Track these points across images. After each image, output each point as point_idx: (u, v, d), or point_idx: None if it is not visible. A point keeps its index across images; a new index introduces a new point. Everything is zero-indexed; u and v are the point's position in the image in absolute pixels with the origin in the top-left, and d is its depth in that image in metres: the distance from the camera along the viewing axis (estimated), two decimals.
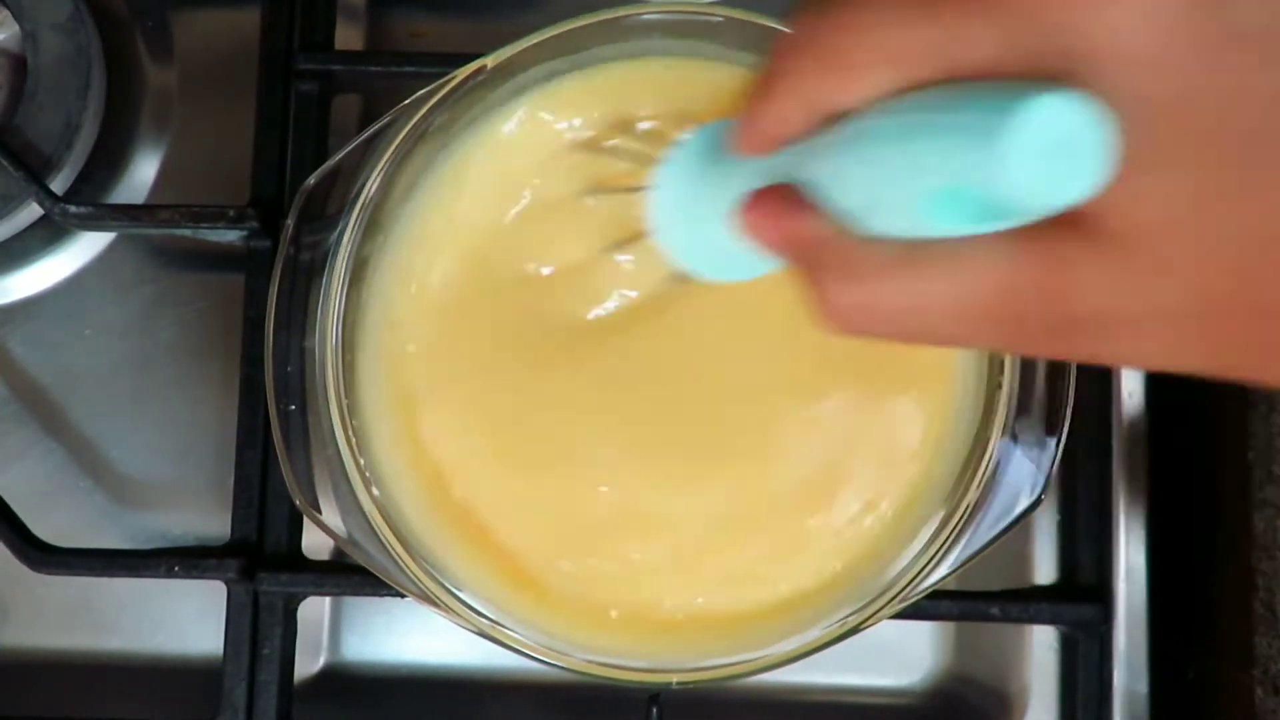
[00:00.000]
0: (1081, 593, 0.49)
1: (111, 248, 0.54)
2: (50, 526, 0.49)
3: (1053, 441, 0.40)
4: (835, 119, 0.27)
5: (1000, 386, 0.41)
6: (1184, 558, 0.51)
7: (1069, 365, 0.41)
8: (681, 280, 0.39)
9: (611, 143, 0.42)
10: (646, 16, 0.41)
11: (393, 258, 0.43)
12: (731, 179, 0.33)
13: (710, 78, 0.43)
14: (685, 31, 0.42)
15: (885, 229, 0.27)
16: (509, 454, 0.42)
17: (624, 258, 0.42)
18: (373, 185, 0.41)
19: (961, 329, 0.26)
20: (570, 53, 0.42)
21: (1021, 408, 0.41)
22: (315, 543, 0.50)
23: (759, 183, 0.30)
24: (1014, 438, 0.40)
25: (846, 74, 0.26)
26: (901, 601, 0.40)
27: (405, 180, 0.42)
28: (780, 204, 0.29)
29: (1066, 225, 0.24)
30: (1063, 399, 0.41)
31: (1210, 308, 0.24)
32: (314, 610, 0.52)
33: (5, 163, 0.49)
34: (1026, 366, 0.41)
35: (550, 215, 0.43)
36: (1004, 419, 0.41)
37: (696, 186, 0.36)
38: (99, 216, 0.50)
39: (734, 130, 0.31)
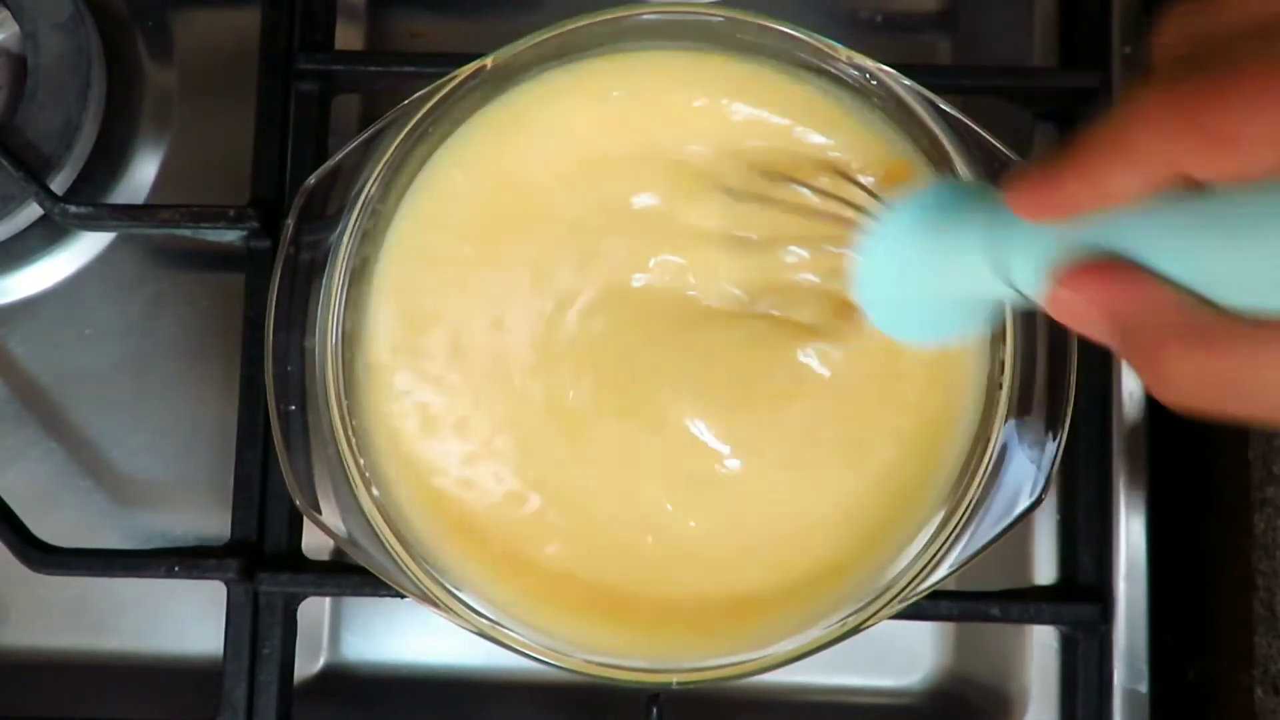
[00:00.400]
0: (1081, 593, 0.49)
1: (111, 248, 0.54)
2: (50, 526, 0.49)
3: (1053, 441, 0.40)
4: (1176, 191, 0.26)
5: (1000, 386, 0.41)
6: (1184, 558, 0.51)
7: (1070, 365, 0.41)
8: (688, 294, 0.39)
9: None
10: (646, 17, 0.41)
11: (393, 257, 0.43)
12: (990, 245, 0.32)
13: (699, 71, 0.43)
14: (685, 32, 0.42)
15: (1235, 303, 0.27)
16: (512, 454, 0.42)
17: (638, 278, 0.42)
18: (373, 185, 0.41)
19: None
20: (571, 53, 0.42)
21: (1022, 408, 0.41)
22: (315, 543, 0.50)
23: (1046, 252, 0.30)
24: (1014, 438, 0.40)
25: (1233, 149, 0.25)
26: (901, 601, 0.40)
27: (405, 180, 0.42)
28: (1117, 276, 0.28)
29: None
30: (1063, 399, 0.41)
31: None
32: (314, 610, 0.52)
33: (5, 163, 0.49)
34: (1027, 367, 0.41)
35: (551, 216, 0.43)
36: (1004, 419, 0.41)
37: (919, 254, 0.35)
38: (99, 216, 0.50)
39: (1029, 194, 0.29)
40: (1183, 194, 0.27)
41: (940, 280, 0.35)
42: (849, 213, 0.37)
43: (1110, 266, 0.28)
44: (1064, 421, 0.41)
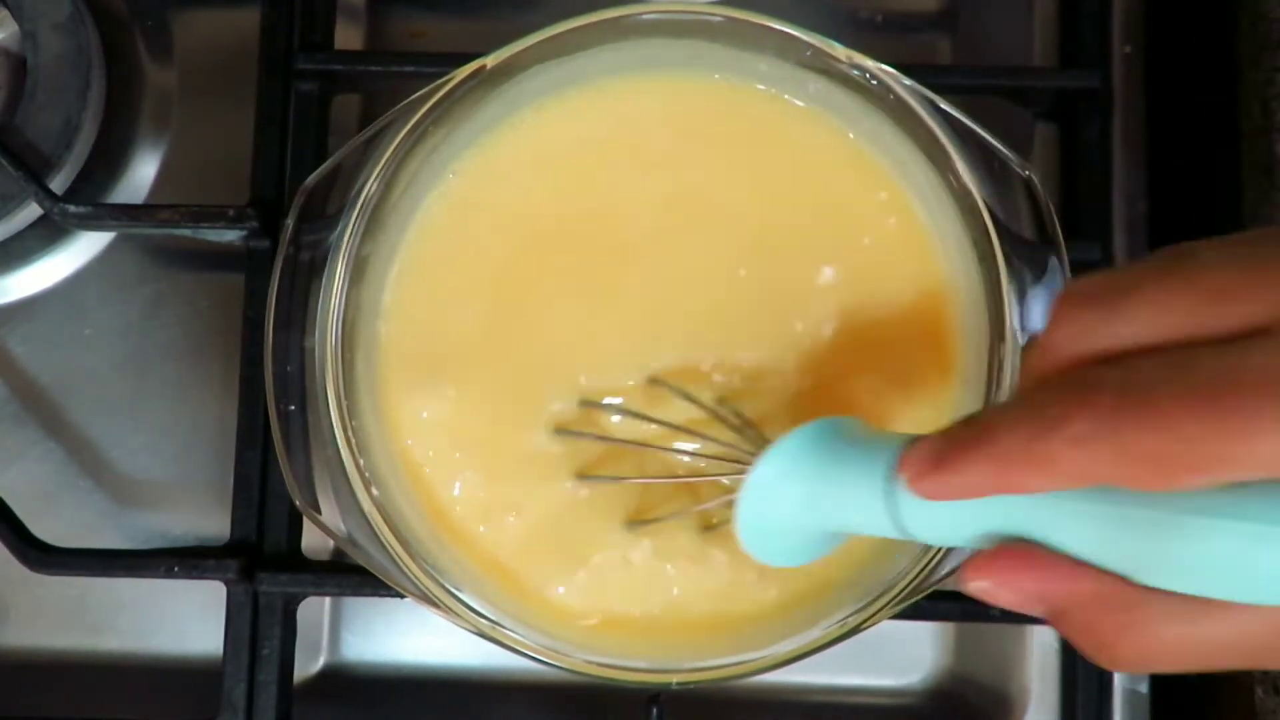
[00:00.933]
0: None
1: (111, 248, 0.54)
2: (50, 526, 0.49)
3: None
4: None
5: (1000, 386, 0.41)
6: None
7: None
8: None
9: None
10: (646, 17, 0.41)
11: (393, 257, 0.43)
12: (879, 497, 0.31)
13: (707, 95, 0.43)
14: (685, 32, 0.42)
15: (1159, 585, 0.27)
16: (511, 455, 0.42)
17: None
18: (373, 185, 0.41)
19: (1245, 661, 0.27)
20: (571, 53, 0.42)
21: None
22: (315, 543, 0.50)
23: (947, 523, 0.30)
24: None
25: (1155, 469, 0.24)
26: (901, 601, 0.40)
27: (405, 180, 0.42)
28: (1037, 566, 0.28)
29: None
30: None
31: None
32: (314, 610, 0.52)
33: (5, 163, 0.49)
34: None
35: (552, 217, 0.43)
36: None
37: (800, 499, 0.34)
38: (99, 216, 0.50)
39: (928, 476, 0.29)
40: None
41: (824, 521, 0.34)
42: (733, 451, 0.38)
43: (1024, 555, 0.28)
44: None
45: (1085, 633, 0.28)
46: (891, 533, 0.32)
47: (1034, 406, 0.26)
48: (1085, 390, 0.25)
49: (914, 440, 0.31)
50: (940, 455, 0.28)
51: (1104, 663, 0.28)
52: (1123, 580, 0.27)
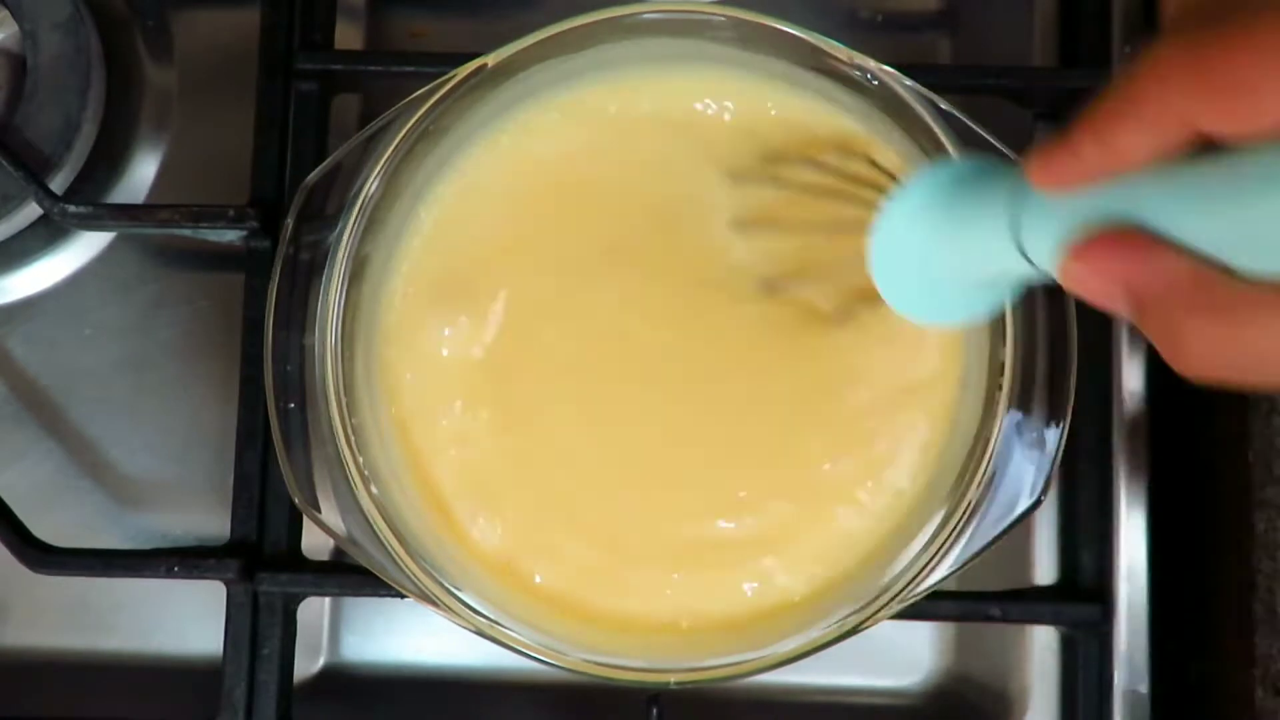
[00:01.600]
0: (1082, 593, 0.49)
1: (111, 248, 0.54)
2: (50, 526, 0.49)
3: (1053, 441, 0.40)
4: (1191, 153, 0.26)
5: (1001, 387, 0.41)
6: (1184, 558, 0.51)
7: (1070, 365, 0.41)
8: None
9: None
10: (647, 16, 0.41)
11: (393, 256, 0.43)
12: (1009, 220, 0.31)
13: (708, 94, 0.43)
14: (686, 31, 0.42)
15: (1254, 268, 0.26)
16: (508, 453, 0.42)
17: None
18: (373, 184, 0.41)
19: None
20: (572, 52, 0.42)
21: (1022, 408, 0.41)
22: (315, 543, 0.50)
23: (1063, 224, 0.29)
24: (1014, 438, 0.40)
25: (1246, 101, 0.24)
26: (901, 601, 0.40)
27: (405, 179, 0.42)
28: (1132, 247, 0.28)
29: None
30: (1063, 399, 0.41)
31: None
32: (314, 610, 0.52)
33: (5, 163, 0.49)
34: (1027, 367, 0.41)
35: (552, 214, 0.43)
36: (1004, 419, 0.41)
37: (935, 231, 0.35)
38: (99, 216, 0.50)
39: (1045, 163, 0.29)
40: (1199, 158, 0.26)
41: (957, 257, 0.35)
42: (863, 191, 0.37)
43: (1125, 237, 0.28)
44: (1064, 422, 0.41)
45: (1164, 325, 0.27)
46: (1012, 255, 0.32)
47: (1129, 70, 0.26)
48: (1174, 35, 0.25)
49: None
50: (1054, 144, 0.29)
51: (1180, 363, 0.27)
52: (1215, 271, 0.26)
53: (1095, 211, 0.29)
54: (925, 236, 0.35)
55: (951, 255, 0.35)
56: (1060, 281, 0.30)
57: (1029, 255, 0.32)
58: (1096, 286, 0.29)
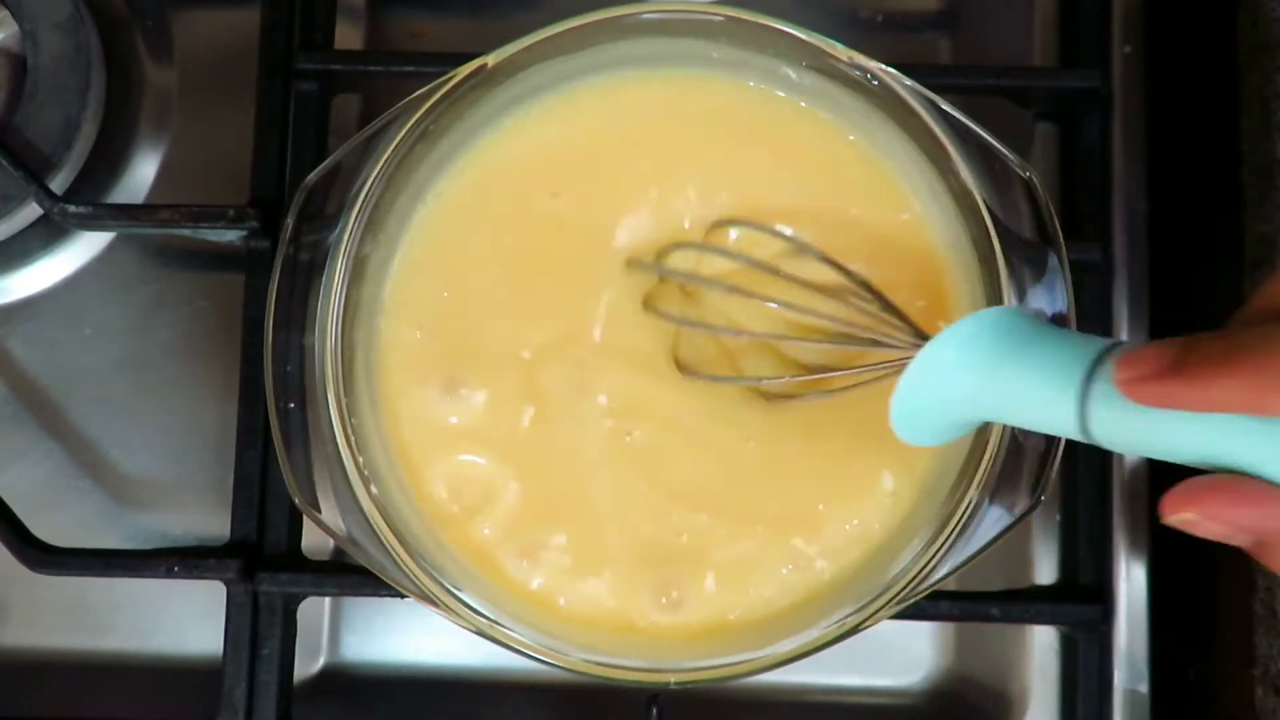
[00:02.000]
0: (1082, 593, 0.49)
1: (111, 248, 0.54)
2: (50, 526, 0.49)
3: (1053, 442, 0.40)
4: None
5: None
6: (1184, 557, 0.51)
7: None
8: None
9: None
10: (647, 16, 0.41)
11: (392, 256, 0.43)
12: (1070, 400, 0.31)
13: (708, 94, 0.43)
14: (686, 31, 0.42)
15: None
16: (507, 454, 0.42)
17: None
18: (373, 184, 0.41)
19: None
20: (572, 52, 0.42)
21: None
22: (315, 543, 0.50)
23: (1148, 435, 0.30)
24: (1015, 437, 0.40)
25: None
26: (901, 601, 0.40)
27: (405, 179, 0.42)
28: (1247, 497, 0.28)
29: None
30: None
31: None
32: (314, 610, 0.52)
33: (5, 163, 0.49)
34: None
35: (551, 215, 0.43)
36: None
37: (975, 385, 0.34)
38: (99, 216, 0.50)
39: (1147, 383, 0.29)
40: None
41: (992, 412, 0.34)
42: (889, 336, 0.38)
43: (1234, 487, 0.29)
44: None
45: None
46: (1068, 431, 0.32)
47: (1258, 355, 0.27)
48: None
49: (1123, 344, 0.31)
50: (1179, 363, 0.28)
51: None
52: None
53: (1183, 436, 0.29)
54: (964, 385, 0.34)
55: (987, 409, 0.34)
56: (1162, 519, 0.30)
57: (1093, 435, 0.31)
58: (1212, 529, 0.29)
